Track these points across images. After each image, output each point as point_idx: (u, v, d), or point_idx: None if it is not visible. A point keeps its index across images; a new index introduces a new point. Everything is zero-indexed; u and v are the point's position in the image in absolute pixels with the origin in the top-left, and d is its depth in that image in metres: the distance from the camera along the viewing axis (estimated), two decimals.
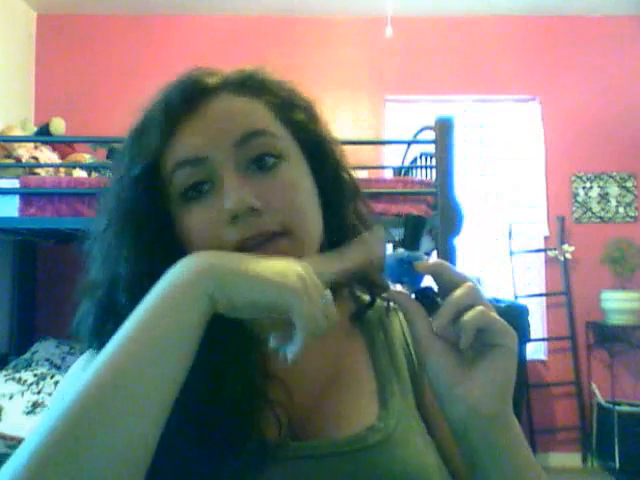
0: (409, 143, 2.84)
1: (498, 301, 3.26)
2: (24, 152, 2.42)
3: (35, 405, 2.02)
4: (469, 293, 0.47)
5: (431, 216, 1.99)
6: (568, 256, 3.64)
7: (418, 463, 0.53)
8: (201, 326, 0.43)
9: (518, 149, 3.80)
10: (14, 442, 1.87)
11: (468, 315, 0.46)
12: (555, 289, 3.68)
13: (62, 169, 2.43)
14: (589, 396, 3.59)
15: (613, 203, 3.75)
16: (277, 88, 0.58)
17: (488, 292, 3.50)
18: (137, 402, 0.39)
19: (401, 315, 0.67)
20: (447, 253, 1.92)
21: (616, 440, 3.20)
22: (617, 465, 3.20)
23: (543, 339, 3.68)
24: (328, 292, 0.46)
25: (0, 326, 3.06)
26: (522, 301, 3.53)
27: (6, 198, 1.98)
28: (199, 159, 0.52)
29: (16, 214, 1.97)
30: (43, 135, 2.81)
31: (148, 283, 0.45)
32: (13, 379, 2.13)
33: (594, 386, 3.57)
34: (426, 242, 2.17)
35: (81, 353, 0.58)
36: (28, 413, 1.99)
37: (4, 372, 2.25)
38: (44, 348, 2.46)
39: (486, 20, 3.81)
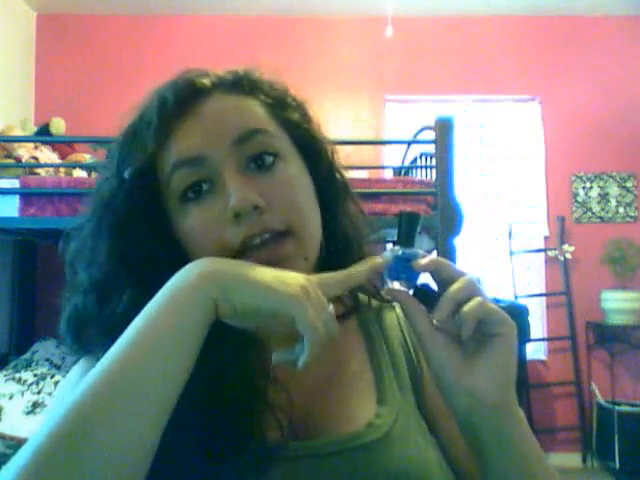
0: (409, 143, 2.84)
1: (498, 301, 3.26)
2: (24, 152, 2.42)
3: (35, 405, 2.02)
4: (467, 286, 0.47)
5: (431, 216, 1.99)
6: (568, 256, 3.64)
7: (418, 460, 0.53)
8: (203, 330, 0.43)
9: (518, 149, 3.80)
10: (14, 442, 1.88)
11: (468, 306, 0.46)
12: (555, 289, 3.68)
13: (62, 169, 2.43)
14: (589, 396, 3.59)
15: (613, 203, 3.75)
16: (270, 88, 0.58)
17: (488, 292, 3.48)
18: (138, 404, 0.39)
19: (398, 312, 0.67)
20: (447, 253, 1.92)
21: (616, 440, 3.20)
22: (617, 465, 3.20)
23: (543, 339, 3.68)
24: (331, 306, 0.46)
25: (0, 326, 3.06)
26: (522, 301, 3.53)
27: (6, 198, 1.98)
28: (197, 159, 0.51)
29: (16, 214, 1.97)
30: (43, 135, 2.81)
31: (127, 289, 0.44)
32: (13, 379, 2.14)
33: (594, 386, 3.57)
34: (426, 242, 2.17)
35: (73, 362, 0.58)
36: (28, 413, 1.99)
37: (4, 372, 2.25)
38: (44, 348, 2.46)
39: (486, 20, 3.81)
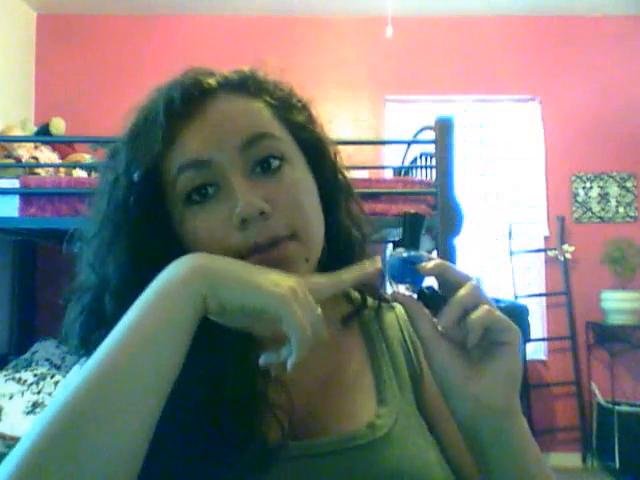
0: (409, 143, 2.84)
1: (498, 301, 3.27)
2: (24, 152, 2.42)
3: (35, 405, 2.02)
4: (473, 292, 0.47)
5: (431, 216, 1.99)
6: (568, 256, 3.64)
7: (418, 460, 0.53)
8: (193, 325, 0.43)
9: (518, 149, 3.80)
10: (14, 442, 1.87)
11: (475, 314, 0.46)
12: (555, 289, 3.68)
13: (62, 169, 2.43)
14: (589, 396, 3.59)
15: (613, 203, 3.75)
16: (275, 88, 0.58)
17: (488, 292, 3.49)
18: (128, 401, 0.39)
19: (397, 311, 0.67)
20: (447, 253, 1.92)
21: (616, 440, 3.20)
22: (617, 465, 3.20)
23: (543, 339, 3.68)
24: (319, 309, 0.45)
25: (0, 326, 3.06)
26: (522, 301, 3.53)
27: (6, 198, 1.98)
28: (203, 162, 0.51)
29: (16, 214, 1.97)
30: (43, 135, 2.81)
31: (138, 290, 0.44)
32: (13, 379, 2.14)
33: (594, 386, 3.57)
34: (426, 242, 2.17)
35: (73, 362, 0.58)
36: (28, 413, 1.99)
37: (4, 372, 2.25)
38: (44, 348, 2.47)
39: (486, 20, 3.81)
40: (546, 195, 3.75)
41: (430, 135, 2.18)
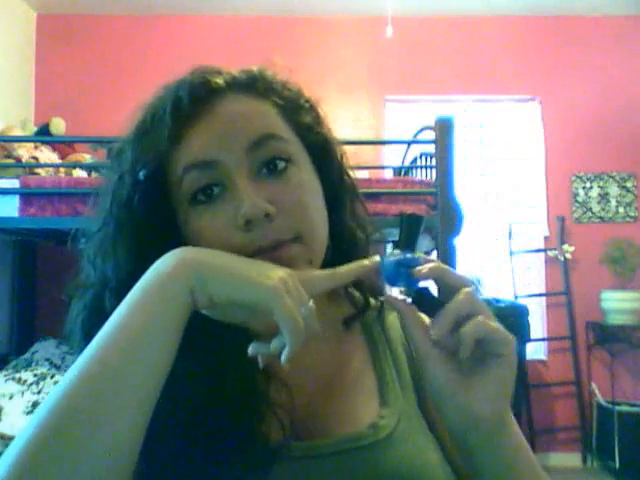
0: (409, 143, 2.84)
1: (498, 301, 3.26)
2: (24, 152, 2.42)
3: (35, 405, 2.02)
4: (468, 300, 0.46)
5: (431, 216, 1.99)
6: (568, 256, 3.64)
7: (420, 461, 0.53)
8: (182, 319, 0.43)
9: (518, 149, 3.80)
10: None
11: (468, 326, 0.45)
12: (555, 289, 3.68)
13: (62, 169, 2.43)
14: (589, 396, 3.59)
15: (613, 203, 3.75)
16: (283, 89, 0.58)
17: (488, 292, 3.50)
18: (118, 397, 0.39)
19: None
20: (447, 253, 1.92)
21: (616, 440, 3.20)
22: (617, 465, 3.20)
23: (543, 339, 3.68)
24: (311, 303, 0.45)
25: (0, 326, 3.06)
26: (522, 301, 3.53)
27: (6, 198, 1.98)
28: (209, 162, 0.51)
29: (16, 214, 1.97)
30: (43, 135, 2.81)
31: None
32: (13, 379, 2.13)
33: (594, 386, 3.57)
34: (426, 242, 2.17)
35: (73, 362, 0.58)
36: (28, 413, 1.99)
37: (4, 372, 2.25)
38: (44, 348, 2.46)
39: (486, 20, 3.81)
40: (546, 195, 3.76)
41: (430, 135, 2.18)
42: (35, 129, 2.97)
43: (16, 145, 2.45)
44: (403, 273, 0.48)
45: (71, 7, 3.68)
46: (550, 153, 3.76)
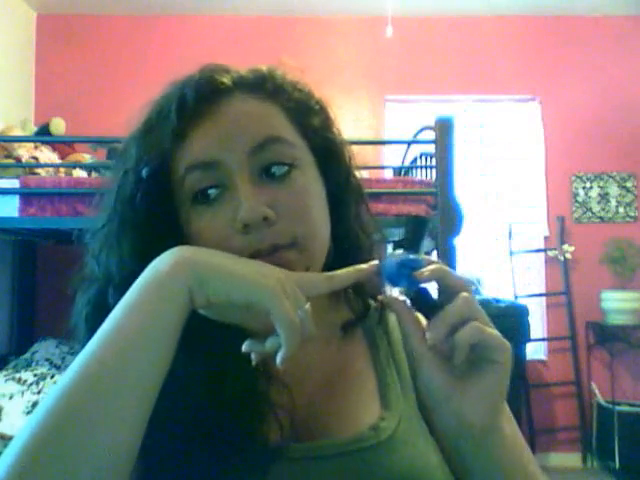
0: (409, 143, 2.84)
1: (498, 301, 3.26)
2: (24, 152, 2.42)
3: (35, 405, 2.02)
4: (465, 305, 0.46)
5: (431, 216, 1.99)
6: (568, 256, 3.64)
7: (420, 463, 0.53)
8: (180, 319, 0.42)
9: (518, 149, 3.80)
10: None
11: (463, 332, 0.45)
12: (555, 289, 3.68)
13: (62, 169, 2.43)
14: (589, 396, 3.59)
15: (613, 203, 3.75)
16: (293, 90, 0.57)
17: (488, 292, 3.50)
18: (116, 397, 0.39)
19: None
20: (447, 253, 1.91)
21: (616, 440, 3.20)
22: (617, 465, 3.20)
23: (543, 339, 3.68)
24: (307, 304, 0.44)
25: (0, 326, 3.06)
26: (522, 301, 3.53)
27: (6, 198, 1.98)
28: (211, 163, 0.50)
29: (16, 214, 1.97)
30: (43, 135, 2.81)
31: None
32: (13, 379, 2.13)
33: (594, 386, 3.57)
34: (426, 242, 2.17)
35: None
36: (28, 413, 1.98)
37: (4, 372, 2.25)
38: (44, 348, 2.47)
39: (486, 20, 3.81)
40: (546, 195, 3.75)
41: (430, 135, 2.17)
42: (35, 129, 2.96)
43: (16, 145, 2.45)
44: (405, 274, 0.47)
45: (71, 7, 3.68)
46: (550, 153, 3.76)
